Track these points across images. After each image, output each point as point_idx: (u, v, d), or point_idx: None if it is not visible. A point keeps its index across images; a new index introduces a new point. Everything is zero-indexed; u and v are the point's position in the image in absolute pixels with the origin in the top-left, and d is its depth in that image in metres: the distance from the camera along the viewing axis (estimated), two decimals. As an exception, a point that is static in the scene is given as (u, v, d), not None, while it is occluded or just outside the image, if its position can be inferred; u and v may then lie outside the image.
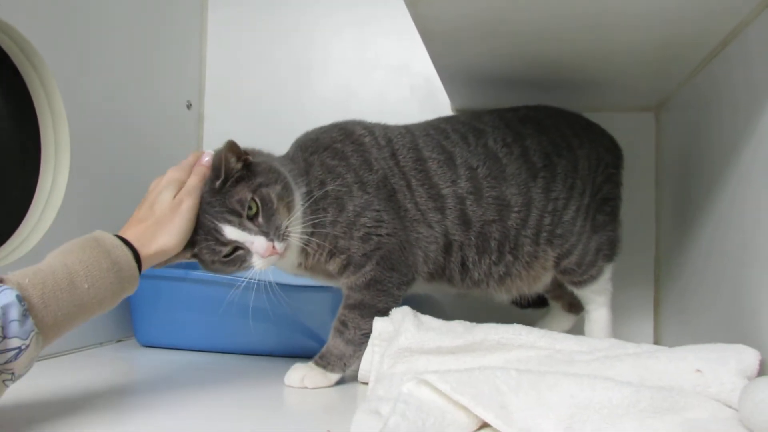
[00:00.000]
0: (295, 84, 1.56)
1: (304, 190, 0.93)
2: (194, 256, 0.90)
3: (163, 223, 0.83)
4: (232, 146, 0.88)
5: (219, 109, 1.59)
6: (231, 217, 0.85)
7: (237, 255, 0.87)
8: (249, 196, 0.86)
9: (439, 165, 1.01)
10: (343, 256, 0.95)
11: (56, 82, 1.08)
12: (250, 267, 0.87)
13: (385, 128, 1.05)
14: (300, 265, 0.97)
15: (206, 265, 0.90)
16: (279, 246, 0.86)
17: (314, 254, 0.95)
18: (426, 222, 0.99)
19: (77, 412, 0.76)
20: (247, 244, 0.86)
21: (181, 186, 0.87)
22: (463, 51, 1.04)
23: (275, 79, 1.57)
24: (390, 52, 1.53)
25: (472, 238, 1.02)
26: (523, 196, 1.03)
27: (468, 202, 1.01)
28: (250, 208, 0.86)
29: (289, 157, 1.00)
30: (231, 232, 0.85)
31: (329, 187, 0.94)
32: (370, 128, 1.03)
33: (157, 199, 0.86)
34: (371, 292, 0.94)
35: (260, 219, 0.87)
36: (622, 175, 1.16)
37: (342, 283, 0.97)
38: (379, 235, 0.95)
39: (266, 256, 0.86)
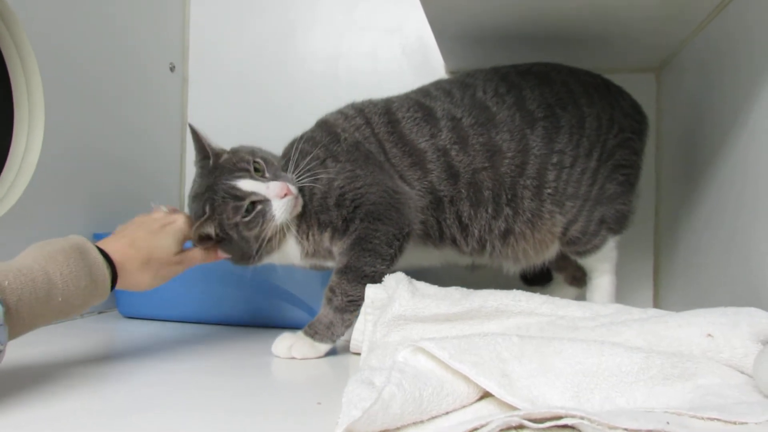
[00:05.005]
0: (282, 45, 1.50)
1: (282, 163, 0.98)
2: (218, 237, 0.91)
3: (152, 265, 0.85)
4: (193, 127, 0.95)
5: (203, 72, 1.52)
6: (242, 173, 0.90)
7: (257, 211, 0.89)
8: (250, 158, 0.92)
9: (415, 122, 1.01)
10: (329, 229, 0.94)
11: (29, 41, 1.02)
12: (271, 220, 0.89)
13: (359, 102, 1.06)
14: (302, 254, 0.97)
15: (230, 239, 0.91)
16: (293, 188, 0.90)
17: (307, 236, 0.95)
18: (404, 181, 0.98)
19: (58, 382, 0.73)
20: (263, 191, 0.89)
21: (182, 237, 0.90)
22: (461, 10, 1.01)
23: (261, 40, 1.51)
24: (381, 11, 1.47)
25: (463, 191, 0.99)
26: (517, 142, 1.00)
27: (453, 153, 0.99)
28: (256, 170, 0.91)
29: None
30: (246, 184, 0.89)
31: (302, 164, 0.96)
32: (340, 109, 1.06)
33: (161, 239, 0.87)
34: (356, 252, 0.91)
35: (267, 174, 0.92)
36: (644, 143, 1.10)
37: (334, 252, 0.95)
38: (357, 188, 0.93)
39: (282, 195, 0.88)
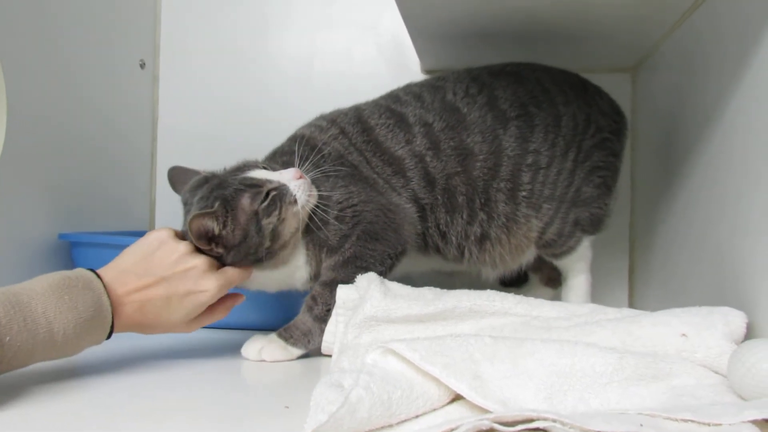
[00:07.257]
0: (255, 41, 1.47)
1: None
2: (219, 239, 0.84)
3: (154, 331, 0.83)
4: (179, 166, 0.96)
5: (174, 69, 1.49)
6: (251, 168, 0.89)
7: (273, 197, 0.85)
8: (256, 161, 0.92)
9: (389, 129, 0.99)
10: (324, 248, 0.91)
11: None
12: (292, 203, 0.86)
13: (328, 114, 1.04)
14: (309, 275, 0.93)
15: (244, 238, 0.84)
16: (305, 175, 0.89)
17: (314, 255, 0.92)
18: (393, 189, 0.97)
19: (25, 386, 0.71)
20: (277, 177, 0.87)
21: (202, 310, 0.83)
22: (435, 8, 0.99)
23: (234, 36, 1.48)
24: (356, 8, 1.45)
25: (439, 197, 0.98)
26: (489, 143, 0.98)
27: (428, 158, 0.98)
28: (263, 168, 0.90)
29: None
30: (259, 173, 0.88)
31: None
32: (311, 122, 1.04)
33: (178, 311, 0.81)
34: (348, 269, 0.90)
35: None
36: (623, 144, 1.09)
37: (322, 267, 0.93)
38: (354, 205, 0.92)
39: (297, 177, 0.87)
